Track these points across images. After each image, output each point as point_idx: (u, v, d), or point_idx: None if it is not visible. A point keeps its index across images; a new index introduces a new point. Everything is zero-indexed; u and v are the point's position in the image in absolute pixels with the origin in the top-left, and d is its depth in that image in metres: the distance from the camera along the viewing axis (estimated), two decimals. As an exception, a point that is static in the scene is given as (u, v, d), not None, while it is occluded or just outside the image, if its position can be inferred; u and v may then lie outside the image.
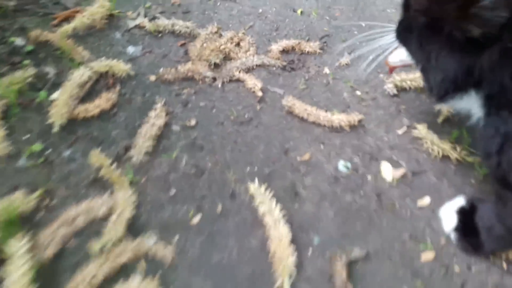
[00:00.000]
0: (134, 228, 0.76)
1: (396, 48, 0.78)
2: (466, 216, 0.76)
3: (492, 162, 0.63)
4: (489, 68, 0.56)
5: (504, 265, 0.74)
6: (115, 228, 0.72)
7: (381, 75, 1.05)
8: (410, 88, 1.02)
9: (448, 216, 0.78)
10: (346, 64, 1.08)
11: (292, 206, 0.81)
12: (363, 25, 1.19)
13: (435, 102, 0.74)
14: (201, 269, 0.72)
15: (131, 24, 1.11)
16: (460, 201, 0.79)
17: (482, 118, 0.63)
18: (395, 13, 1.23)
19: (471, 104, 0.64)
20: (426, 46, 0.64)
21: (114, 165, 0.82)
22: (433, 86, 0.67)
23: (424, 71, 0.69)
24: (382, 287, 0.72)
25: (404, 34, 0.71)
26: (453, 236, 0.77)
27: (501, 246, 0.73)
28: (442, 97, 0.66)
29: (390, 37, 0.73)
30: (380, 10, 1.24)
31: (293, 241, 0.75)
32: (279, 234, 0.73)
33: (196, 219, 0.78)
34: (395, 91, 1.01)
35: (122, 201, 0.76)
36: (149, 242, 0.73)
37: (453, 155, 0.88)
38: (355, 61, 1.08)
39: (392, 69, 0.93)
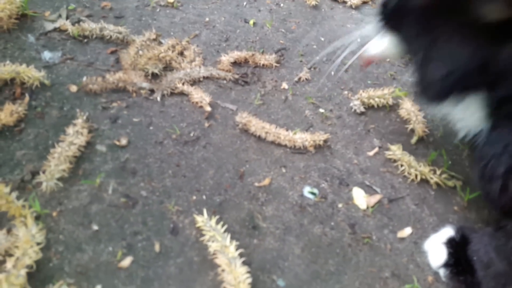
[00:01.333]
0: (39, 277, 0.61)
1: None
2: (457, 249, 0.70)
3: (495, 187, 0.57)
4: (508, 64, 0.50)
5: (502, 305, 0.68)
6: (9, 279, 0.57)
7: (346, 92, 1.01)
8: (378, 105, 0.98)
9: (436, 250, 0.72)
10: (306, 79, 1.03)
11: (250, 242, 0.71)
12: (322, 39, 1.16)
13: (425, 103, 0.65)
14: (131, 330, 0.59)
15: (49, 26, 0.99)
16: (448, 232, 0.73)
17: (484, 132, 0.58)
18: (355, 28, 1.22)
19: (469, 114, 0.59)
20: (429, 32, 0.57)
21: (15, 194, 0.67)
22: (432, 82, 0.59)
23: (422, 63, 0.61)
24: None
25: (395, 17, 0.63)
26: (442, 273, 0.70)
27: (501, 285, 0.67)
28: (442, 97, 0.60)
29: (368, 28, 0.68)
30: (339, 25, 1.23)
31: (253, 285, 0.64)
32: (235, 278, 0.62)
33: (125, 262, 0.65)
34: (362, 109, 0.97)
35: (23, 242, 0.61)
36: (59, 295, 0.59)
37: (433, 179, 0.83)
38: (316, 76, 1.04)
39: (368, 63, 0.87)
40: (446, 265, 0.70)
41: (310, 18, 1.24)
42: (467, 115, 0.59)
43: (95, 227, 0.68)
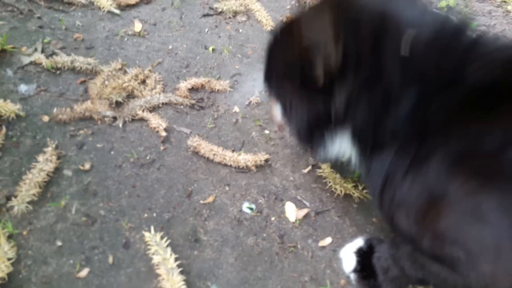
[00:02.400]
0: (10, 287, 0.73)
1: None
2: (364, 257, 0.82)
3: (376, 203, 0.69)
4: (342, 112, 0.62)
5: (401, 303, 0.81)
6: (-15, 289, 0.69)
7: (290, 114, 1.13)
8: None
9: (348, 257, 0.84)
10: (256, 102, 1.15)
11: (191, 254, 0.83)
12: (275, 63, 1.27)
13: (302, 146, 0.81)
14: (85, 329, 0.71)
15: (26, 60, 1.10)
16: (359, 242, 0.85)
17: (358, 158, 0.70)
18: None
19: (348, 148, 0.71)
20: (281, 93, 0.72)
21: (-8, 216, 0.79)
22: (296, 132, 0.73)
23: (286, 118, 0.75)
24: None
25: (267, 83, 0.76)
26: (352, 277, 0.83)
27: (397, 287, 0.79)
28: (307, 140, 0.73)
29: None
30: (292, 48, 1.34)
31: (189, 291, 0.77)
32: (171, 285, 0.74)
33: (83, 273, 0.77)
34: (303, 130, 1.08)
35: (-3, 258, 0.73)
36: (26, 302, 0.71)
37: (355, 194, 0.95)
38: (266, 99, 1.15)
39: (281, 127, 0.95)
40: (355, 270, 0.82)
41: (266, 43, 1.34)
42: (345, 149, 0.71)
43: (59, 243, 0.80)
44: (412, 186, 0.59)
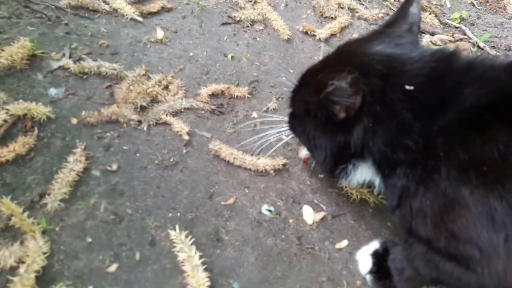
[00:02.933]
0: (45, 280, 0.77)
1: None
2: (380, 259, 0.86)
3: (396, 215, 0.74)
4: (361, 142, 0.72)
5: (414, 303, 0.84)
6: (22, 281, 0.73)
7: (307, 120, 1.16)
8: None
9: (364, 259, 0.87)
10: (273, 109, 1.19)
11: (213, 252, 0.87)
12: (291, 71, 1.32)
13: (329, 177, 0.95)
14: (115, 321, 0.75)
15: (55, 65, 1.15)
16: (375, 245, 0.89)
17: (381, 182, 0.76)
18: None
19: (369, 174, 0.79)
20: (305, 130, 0.81)
21: (27, 213, 0.83)
22: (321, 164, 0.83)
23: (311, 152, 0.86)
24: (299, 331, 0.78)
25: (292, 122, 0.86)
26: (368, 278, 0.86)
27: (412, 287, 0.83)
28: (330, 172, 0.82)
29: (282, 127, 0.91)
30: (308, 57, 1.38)
31: (212, 287, 0.80)
32: (196, 281, 0.78)
33: (112, 268, 0.81)
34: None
35: (32, 252, 0.77)
36: (60, 294, 0.75)
37: (371, 198, 0.99)
38: (283, 105, 1.19)
39: (305, 161, 1.06)
40: (371, 272, 0.86)
41: (282, 51, 1.39)
42: (368, 175, 0.80)
43: (89, 239, 0.84)
44: (425, 195, 0.65)
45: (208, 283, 0.79)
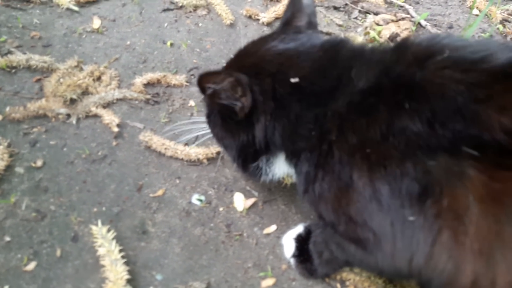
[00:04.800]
0: (-41, 282, 0.76)
1: None
2: (302, 242, 0.86)
3: (305, 200, 0.75)
4: (264, 139, 0.73)
5: (338, 286, 0.84)
6: None
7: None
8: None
9: (288, 243, 0.87)
10: (211, 96, 1.17)
11: (138, 245, 0.86)
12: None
13: (246, 176, 0.94)
14: (31, 320, 0.74)
15: (-20, 59, 1.11)
16: (299, 229, 0.89)
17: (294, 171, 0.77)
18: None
19: (285, 167, 0.79)
20: (214, 130, 0.82)
21: None
22: (232, 163, 0.85)
23: (224, 151, 0.88)
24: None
25: (207, 122, 0.85)
26: (292, 262, 0.86)
27: (331, 269, 0.83)
28: (243, 170, 0.83)
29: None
30: (250, 42, 1.35)
31: (134, 280, 0.80)
32: (115, 275, 0.77)
33: (30, 266, 0.80)
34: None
35: None
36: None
37: (301, 182, 0.98)
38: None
39: None
40: (294, 255, 0.86)
41: (225, 37, 1.36)
42: (284, 167, 0.80)
43: (8, 239, 0.83)
44: (323, 180, 0.65)
45: (128, 276, 0.78)
